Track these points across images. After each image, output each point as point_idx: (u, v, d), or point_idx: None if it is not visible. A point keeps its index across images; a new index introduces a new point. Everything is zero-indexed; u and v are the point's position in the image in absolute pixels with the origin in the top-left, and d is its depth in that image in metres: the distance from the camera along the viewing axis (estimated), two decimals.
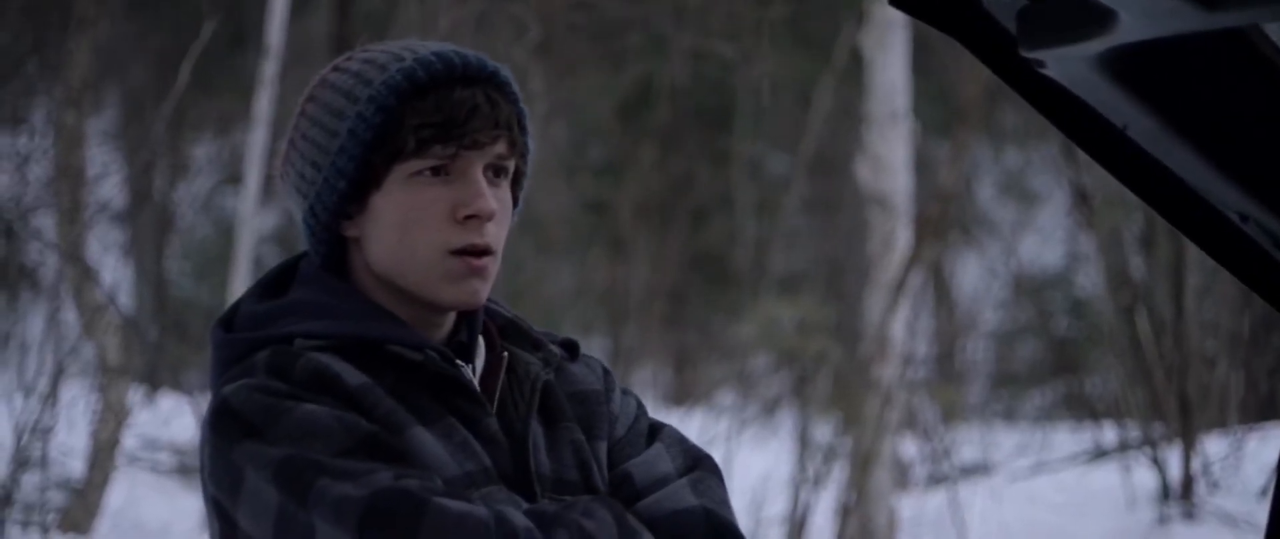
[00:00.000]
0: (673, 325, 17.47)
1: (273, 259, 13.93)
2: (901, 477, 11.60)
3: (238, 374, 2.18)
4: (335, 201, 2.22)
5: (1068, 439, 12.32)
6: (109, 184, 10.01)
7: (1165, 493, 9.45)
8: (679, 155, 17.04)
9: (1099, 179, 9.80)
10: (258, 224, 11.94)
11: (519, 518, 2.11)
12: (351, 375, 2.17)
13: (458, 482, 2.14)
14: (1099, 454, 10.56)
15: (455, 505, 2.08)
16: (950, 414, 12.71)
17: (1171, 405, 9.61)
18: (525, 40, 10.76)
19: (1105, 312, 10.66)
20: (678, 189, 17.36)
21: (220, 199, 17.10)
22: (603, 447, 2.30)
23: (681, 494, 2.25)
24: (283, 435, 2.11)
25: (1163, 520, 9.38)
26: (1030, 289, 16.88)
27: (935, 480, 11.67)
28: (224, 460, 2.14)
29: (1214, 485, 9.54)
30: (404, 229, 2.20)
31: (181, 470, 10.83)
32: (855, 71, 11.73)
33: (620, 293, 17.16)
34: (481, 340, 2.28)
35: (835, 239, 16.94)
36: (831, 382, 10.97)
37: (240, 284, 10.38)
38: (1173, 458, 9.48)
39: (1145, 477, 9.58)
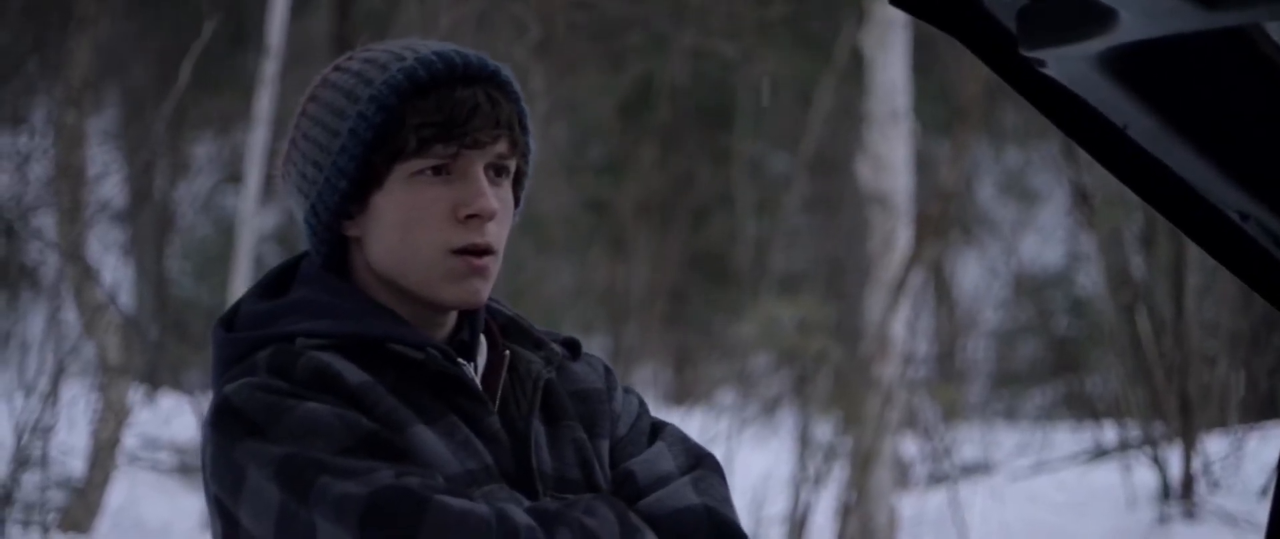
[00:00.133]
0: (673, 325, 17.45)
1: (273, 259, 13.91)
2: (902, 476, 11.59)
3: (239, 373, 2.18)
4: (337, 201, 2.22)
5: (1068, 438, 12.31)
6: (109, 183, 10.00)
7: (1166, 492, 9.44)
8: (679, 155, 17.03)
9: (1099, 178, 9.79)
10: (258, 223, 11.92)
11: (521, 516, 2.11)
12: (353, 374, 2.17)
13: (459, 480, 2.14)
14: (1099, 453, 10.55)
15: (457, 503, 2.08)
16: (951, 413, 12.70)
17: (1172, 405, 9.59)
18: (525, 39, 10.76)
19: (1105, 311, 10.65)
20: (678, 188, 17.35)
21: (221, 198, 17.08)
22: (605, 445, 2.30)
23: (684, 493, 2.25)
24: (284, 434, 2.11)
25: (1163, 520, 9.37)
26: (1030, 288, 16.89)
27: (936, 480, 11.66)
28: (226, 459, 2.14)
29: (1214, 485, 9.54)
30: (405, 228, 2.20)
31: (182, 470, 10.83)
32: (855, 71, 11.73)
33: (620, 292, 17.14)
34: (483, 339, 2.28)
35: (836, 238, 16.91)
36: (832, 381, 10.96)
37: (241, 284, 10.37)
38: (1173, 457, 9.47)
39: (1146, 476, 9.57)
